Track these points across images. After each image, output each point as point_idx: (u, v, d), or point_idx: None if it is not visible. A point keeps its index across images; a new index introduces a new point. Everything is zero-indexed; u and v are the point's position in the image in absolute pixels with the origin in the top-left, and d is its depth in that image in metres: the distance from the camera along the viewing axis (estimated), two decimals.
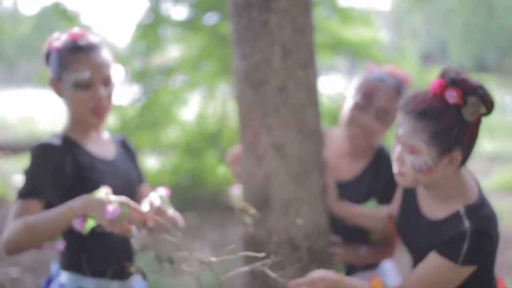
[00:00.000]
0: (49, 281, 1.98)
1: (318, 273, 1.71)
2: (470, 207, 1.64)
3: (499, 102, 16.01)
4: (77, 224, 1.61)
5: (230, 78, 6.60)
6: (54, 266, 1.99)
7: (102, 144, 2.04)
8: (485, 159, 9.36)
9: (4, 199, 6.67)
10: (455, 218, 1.64)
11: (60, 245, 1.72)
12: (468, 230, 1.58)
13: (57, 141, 1.88)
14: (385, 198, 2.11)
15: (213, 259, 1.47)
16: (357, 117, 2.05)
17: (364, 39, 6.46)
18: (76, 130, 1.96)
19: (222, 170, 1.78)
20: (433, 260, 1.64)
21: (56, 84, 1.93)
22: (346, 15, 6.42)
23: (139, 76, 6.75)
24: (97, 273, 1.88)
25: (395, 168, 1.69)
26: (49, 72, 1.97)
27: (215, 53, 6.70)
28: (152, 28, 6.72)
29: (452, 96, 1.56)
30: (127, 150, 2.15)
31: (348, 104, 2.11)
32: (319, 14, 6.29)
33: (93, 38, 1.96)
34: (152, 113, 6.62)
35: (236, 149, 2.03)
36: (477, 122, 1.61)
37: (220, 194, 6.54)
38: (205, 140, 6.88)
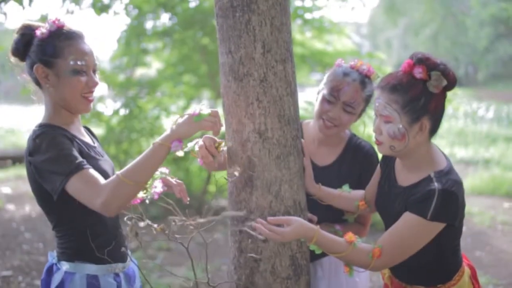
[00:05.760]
0: (49, 270, 1.96)
1: (296, 218, 1.90)
2: (440, 172, 1.87)
3: (471, 113, 16.43)
4: (176, 147, 1.76)
5: (210, 89, 6.77)
6: (52, 256, 1.99)
7: (82, 131, 2.03)
8: (459, 165, 9.68)
9: None
10: (426, 181, 1.87)
11: (160, 186, 1.91)
12: (437, 189, 1.80)
13: (53, 128, 1.86)
14: (359, 184, 2.30)
15: (202, 220, 1.66)
16: (325, 110, 2.25)
17: (339, 50, 6.65)
18: (60, 118, 1.92)
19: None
20: (405, 218, 1.85)
21: (45, 71, 1.87)
22: (320, 27, 6.62)
23: (121, 87, 6.85)
24: (100, 259, 1.89)
25: (374, 138, 1.93)
26: (29, 60, 1.90)
27: (195, 64, 6.85)
28: (133, 42, 6.84)
29: (418, 72, 1.84)
30: (94, 136, 2.15)
31: (319, 98, 2.31)
32: (294, 27, 6.48)
33: (76, 27, 1.95)
34: (134, 124, 6.71)
35: (206, 141, 2.00)
36: (442, 94, 1.88)
37: (205, 199, 6.67)
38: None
